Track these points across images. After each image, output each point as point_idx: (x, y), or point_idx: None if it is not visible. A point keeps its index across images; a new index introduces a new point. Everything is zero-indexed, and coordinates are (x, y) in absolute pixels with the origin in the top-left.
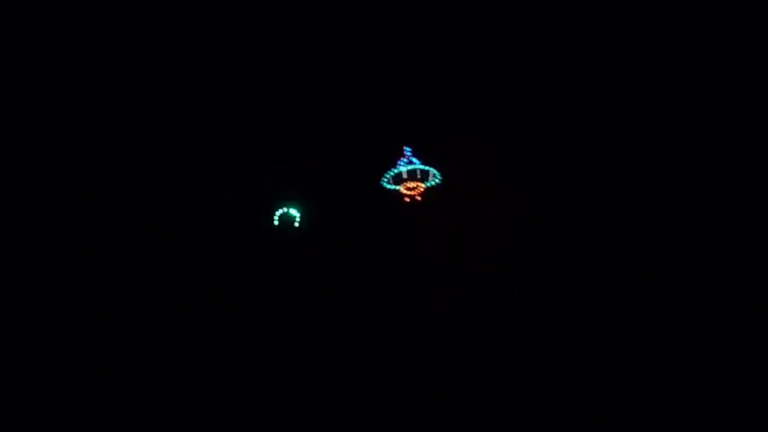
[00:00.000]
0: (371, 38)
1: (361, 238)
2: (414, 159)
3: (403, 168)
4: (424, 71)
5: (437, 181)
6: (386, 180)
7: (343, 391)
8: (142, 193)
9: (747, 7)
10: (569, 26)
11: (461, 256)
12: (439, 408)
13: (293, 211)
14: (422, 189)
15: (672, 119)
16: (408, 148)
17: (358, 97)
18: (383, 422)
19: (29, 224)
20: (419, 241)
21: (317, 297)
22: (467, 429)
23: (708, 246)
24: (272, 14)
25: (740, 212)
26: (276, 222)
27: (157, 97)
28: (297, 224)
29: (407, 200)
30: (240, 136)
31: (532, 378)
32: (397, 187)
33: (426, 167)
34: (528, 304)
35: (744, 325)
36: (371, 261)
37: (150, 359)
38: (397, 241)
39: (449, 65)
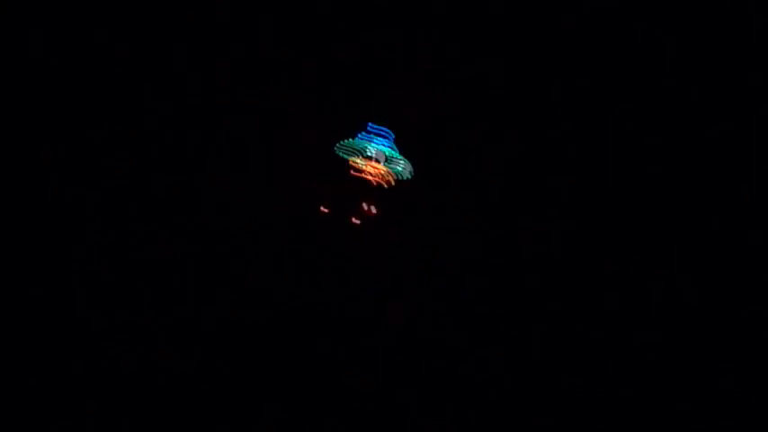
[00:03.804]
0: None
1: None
2: (387, 133)
3: (378, 146)
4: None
5: (410, 175)
6: (340, 147)
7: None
8: (143, 192)
9: (747, 7)
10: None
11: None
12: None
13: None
14: (383, 172)
15: (666, 119)
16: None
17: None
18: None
19: (31, 224)
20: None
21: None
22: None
23: (707, 246)
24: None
25: (740, 212)
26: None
27: (157, 97)
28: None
29: (356, 174)
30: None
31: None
32: (361, 163)
33: (397, 155)
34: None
35: (744, 325)
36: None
37: (151, 360)
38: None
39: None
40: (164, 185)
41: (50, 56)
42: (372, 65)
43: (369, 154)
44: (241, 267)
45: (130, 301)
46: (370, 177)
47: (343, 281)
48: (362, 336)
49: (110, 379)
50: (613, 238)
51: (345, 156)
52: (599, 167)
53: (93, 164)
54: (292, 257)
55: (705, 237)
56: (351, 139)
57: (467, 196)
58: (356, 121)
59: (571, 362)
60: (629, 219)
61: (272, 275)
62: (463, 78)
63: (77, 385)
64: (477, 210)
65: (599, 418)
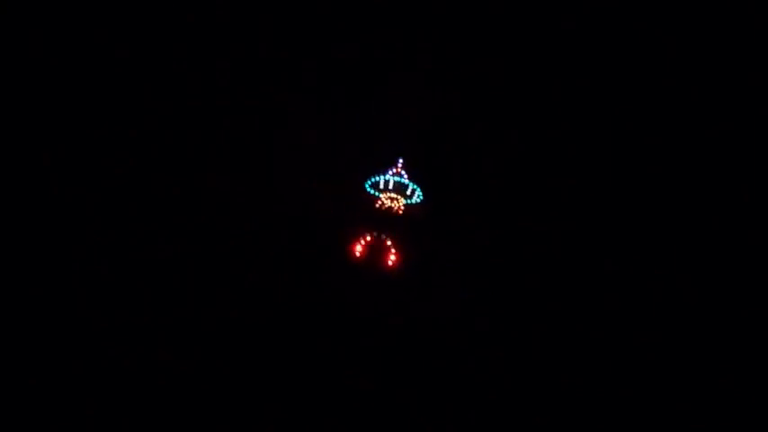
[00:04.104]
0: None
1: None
2: (403, 172)
3: (390, 179)
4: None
5: (418, 200)
6: (369, 185)
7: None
8: (143, 192)
9: (747, 7)
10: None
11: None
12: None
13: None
14: (402, 204)
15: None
16: (401, 160)
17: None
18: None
19: (31, 224)
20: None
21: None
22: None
23: (707, 246)
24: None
25: (740, 212)
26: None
27: (157, 97)
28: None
29: (384, 209)
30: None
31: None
32: (379, 195)
33: (413, 184)
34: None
35: (744, 325)
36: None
37: (151, 360)
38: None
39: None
40: (164, 185)
41: (50, 56)
42: (372, 65)
43: (391, 187)
44: (241, 267)
45: (130, 301)
46: (387, 205)
47: (343, 281)
48: (362, 336)
49: (110, 379)
50: (613, 238)
51: (375, 192)
52: (599, 167)
53: (93, 164)
54: (292, 257)
55: (705, 237)
56: (382, 176)
57: (466, 196)
58: (357, 124)
59: (571, 362)
60: (629, 219)
61: (272, 275)
62: (463, 78)
63: (77, 385)
64: (476, 210)
65: (599, 418)
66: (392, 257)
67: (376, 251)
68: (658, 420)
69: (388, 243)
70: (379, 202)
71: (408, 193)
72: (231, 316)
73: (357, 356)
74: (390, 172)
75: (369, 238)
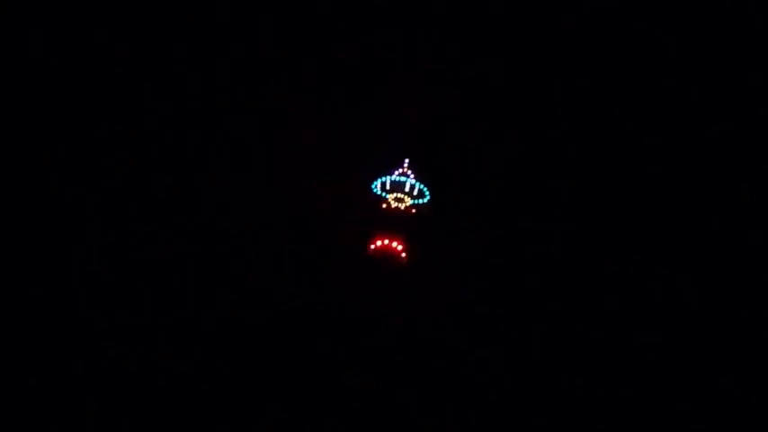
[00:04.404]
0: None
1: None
2: (409, 172)
3: (396, 179)
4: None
5: (425, 200)
6: (376, 186)
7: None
8: (143, 192)
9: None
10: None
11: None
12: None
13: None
14: (408, 203)
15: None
16: (407, 160)
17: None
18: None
19: (31, 224)
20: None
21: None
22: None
23: (707, 246)
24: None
25: (740, 212)
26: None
27: (157, 97)
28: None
29: (390, 209)
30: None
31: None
32: (387, 196)
33: (419, 184)
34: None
35: (744, 325)
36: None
37: (151, 360)
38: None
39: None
40: (164, 185)
41: (50, 56)
42: (372, 65)
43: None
44: (241, 267)
45: (130, 301)
46: (395, 206)
47: (343, 281)
48: (362, 336)
49: (110, 379)
50: (613, 238)
51: (382, 193)
52: (599, 167)
53: (94, 164)
54: (292, 257)
55: (705, 237)
56: (390, 177)
57: (466, 196)
58: (357, 124)
59: (571, 362)
60: (629, 219)
61: (272, 275)
62: (463, 78)
63: (77, 385)
64: (476, 210)
65: (599, 418)
66: (401, 257)
67: (381, 251)
68: (658, 420)
69: (395, 244)
70: (386, 203)
71: (415, 193)
72: (231, 316)
73: (357, 356)
74: (397, 172)
75: (375, 239)
